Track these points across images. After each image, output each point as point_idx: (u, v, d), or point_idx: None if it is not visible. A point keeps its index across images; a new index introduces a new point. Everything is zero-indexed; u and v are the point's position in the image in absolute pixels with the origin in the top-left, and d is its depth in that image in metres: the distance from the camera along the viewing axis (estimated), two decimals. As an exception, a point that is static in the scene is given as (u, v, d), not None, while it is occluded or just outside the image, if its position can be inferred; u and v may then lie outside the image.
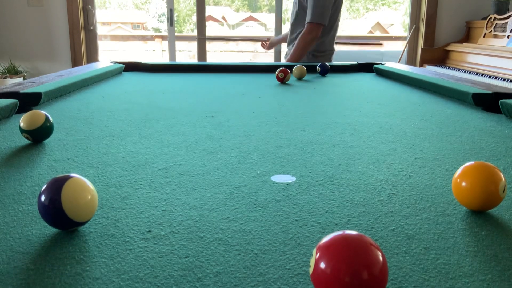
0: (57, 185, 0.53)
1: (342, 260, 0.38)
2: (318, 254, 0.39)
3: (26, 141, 0.95)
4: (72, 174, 0.55)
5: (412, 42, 4.16)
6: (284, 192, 0.69)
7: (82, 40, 3.88)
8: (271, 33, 4.63)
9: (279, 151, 0.91)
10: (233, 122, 1.17)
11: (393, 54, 4.44)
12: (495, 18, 3.57)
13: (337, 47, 2.78)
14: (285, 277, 0.46)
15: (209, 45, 4.08)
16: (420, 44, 4.09)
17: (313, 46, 2.56)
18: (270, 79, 2.01)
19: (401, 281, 0.45)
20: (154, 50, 8.05)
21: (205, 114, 1.26)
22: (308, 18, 2.44)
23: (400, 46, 4.57)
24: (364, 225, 0.58)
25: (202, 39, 3.94)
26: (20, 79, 3.63)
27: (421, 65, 4.01)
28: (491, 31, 3.59)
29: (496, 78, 3.15)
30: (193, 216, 0.60)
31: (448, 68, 3.73)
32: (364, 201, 0.65)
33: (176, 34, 4.03)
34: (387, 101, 1.50)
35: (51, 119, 0.94)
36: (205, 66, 2.34)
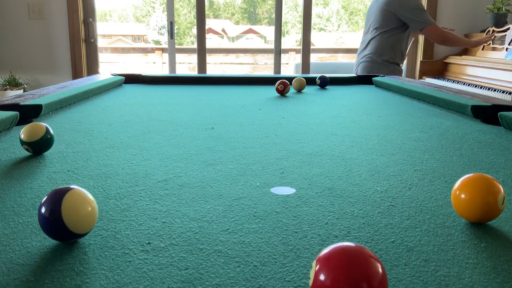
0: (57, 197, 0.53)
1: (342, 272, 0.38)
2: (317, 266, 0.39)
3: (27, 153, 0.95)
4: (72, 186, 0.55)
5: (411, 55, 4.18)
6: (283, 204, 0.69)
7: (82, 53, 3.90)
8: (270, 45, 4.65)
9: (278, 163, 0.91)
10: (233, 134, 1.17)
11: (392, 67, 4.45)
12: (493, 31, 3.60)
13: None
14: (284, 289, 0.46)
15: (209, 58, 4.11)
16: (419, 57, 4.11)
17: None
18: (270, 91, 2.02)
19: (401, 293, 0.45)
20: (154, 62, 8.09)
21: (205, 126, 1.26)
22: (419, 26, 2.71)
23: (399, 59, 4.59)
24: (363, 237, 0.58)
25: (202, 51, 3.96)
26: (21, 91, 3.64)
27: (420, 78, 4.03)
28: (490, 43, 3.62)
29: (495, 90, 3.16)
30: (192, 228, 0.60)
31: (447, 80, 3.74)
32: (364, 213, 0.65)
33: (176, 46, 4.05)
34: (386, 113, 1.51)
35: (51, 131, 0.94)
36: (205, 78, 2.35)
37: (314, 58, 5.58)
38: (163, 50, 7.49)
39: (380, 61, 2.86)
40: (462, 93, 1.72)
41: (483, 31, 3.77)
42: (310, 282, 0.40)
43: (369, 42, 2.92)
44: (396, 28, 2.81)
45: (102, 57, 4.26)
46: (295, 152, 1.00)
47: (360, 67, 2.96)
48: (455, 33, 2.95)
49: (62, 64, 3.89)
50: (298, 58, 4.61)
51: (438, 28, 2.75)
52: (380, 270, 0.38)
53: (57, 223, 0.52)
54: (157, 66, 7.74)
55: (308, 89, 2.13)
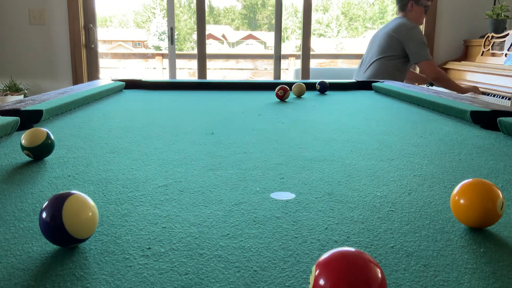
0: (58, 202, 0.53)
1: (341, 277, 0.38)
2: (317, 271, 0.39)
3: (27, 158, 0.95)
4: (73, 191, 0.55)
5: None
6: (283, 209, 0.69)
7: (83, 58, 3.91)
8: (270, 51, 4.67)
9: (278, 168, 0.91)
10: (233, 139, 1.17)
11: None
12: (492, 37, 3.61)
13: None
14: (284, 294, 0.46)
15: (209, 63, 4.12)
16: (419, 62, 4.12)
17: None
18: (270, 97, 2.02)
19: (400, 298, 0.45)
20: (154, 68, 8.11)
21: (205, 131, 1.26)
22: (418, 59, 2.89)
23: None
24: (363, 242, 0.58)
25: (202, 57, 3.97)
26: (21, 97, 3.64)
27: (419, 83, 4.03)
28: (489, 49, 3.63)
29: (494, 96, 3.17)
30: (193, 233, 0.60)
31: (447, 86, 3.75)
32: (364, 218, 0.66)
33: (177, 52, 4.06)
34: (386, 118, 1.51)
35: (52, 136, 0.94)
36: (205, 83, 2.36)
37: (313, 63, 5.59)
38: (163, 55, 7.51)
39: None
40: (461, 99, 1.72)
41: (482, 37, 3.79)
42: (310, 287, 0.40)
43: (369, 66, 3.02)
44: (398, 57, 2.93)
45: (102, 62, 4.27)
46: (295, 157, 1.00)
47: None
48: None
49: (62, 69, 3.90)
50: (298, 64, 4.63)
51: (434, 65, 2.93)
52: (380, 275, 0.39)
53: (58, 228, 0.52)
54: (157, 71, 7.75)
55: (307, 95, 2.13)
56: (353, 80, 2.46)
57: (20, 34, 3.81)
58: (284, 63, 6.97)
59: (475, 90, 3.24)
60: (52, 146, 0.95)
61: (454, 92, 3.08)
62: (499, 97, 3.10)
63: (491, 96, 3.21)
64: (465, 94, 3.19)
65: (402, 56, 2.93)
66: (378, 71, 2.94)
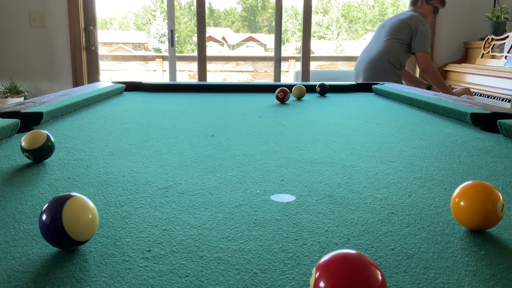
0: (58, 204, 0.53)
1: (342, 279, 0.38)
2: (317, 274, 0.39)
3: (27, 161, 0.95)
4: (73, 193, 0.55)
5: (411, 62, 4.19)
6: (283, 211, 0.69)
7: (83, 60, 3.91)
8: (270, 53, 4.67)
9: (278, 170, 0.91)
10: (233, 141, 1.17)
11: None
12: (492, 39, 3.61)
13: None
14: (284, 296, 0.46)
15: (210, 65, 4.12)
16: (419, 64, 4.12)
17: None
18: (270, 99, 2.02)
19: (400, 301, 0.45)
20: (154, 70, 8.11)
21: (205, 134, 1.26)
22: (418, 48, 3.00)
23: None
24: (363, 244, 0.58)
25: (202, 59, 3.97)
26: (21, 99, 3.65)
27: (419, 85, 4.03)
28: (489, 51, 3.63)
29: (494, 98, 3.17)
30: (193, 235, 0.60)
31: (447, 88, 3.75)
32: (364, 221, 0.65)
33: (177, 54, 4.07)
34: (386, 120, 1.51)
35: (52, 138, 0.94)
36: (205, 86, 2.36)
37: (313, 66, 5.59)
38: (163, 58, 7.52)
39: (386, 63, 3.03)
40: (461, 101, 1.72)
41: (482, 39, 3.79)
42: (310, 289, 0.40)
43: (380, 45, 3.10)
44: (405, 43, 3.03)
45: (102, 65, 4.27)
46: (295, 159, 1.00)
47: (365, 65, 3.12)
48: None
49: (63, 71, 3.90)
50: (298, 66, 4.63)
51: (430, 59, 3.04)
52: (380, 277, 0.38)
53: (58, 230, 0.52)
54: (157, 74, 7.76)
55: (308, 97, 2.13)
56: (353, 83, 2.47)
57: (21, 37, 3.81)
58: (284, 65, 6.99)
59: (466, 91, 3.29)
60: (52, 148, 0.95)
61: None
62: (499, 99, 3.11)
63: (490, 98, 3.21)
64: (461, 96, 3.23)
65: (408, 45, 3.03)
66: (388, 50, 3.02)
